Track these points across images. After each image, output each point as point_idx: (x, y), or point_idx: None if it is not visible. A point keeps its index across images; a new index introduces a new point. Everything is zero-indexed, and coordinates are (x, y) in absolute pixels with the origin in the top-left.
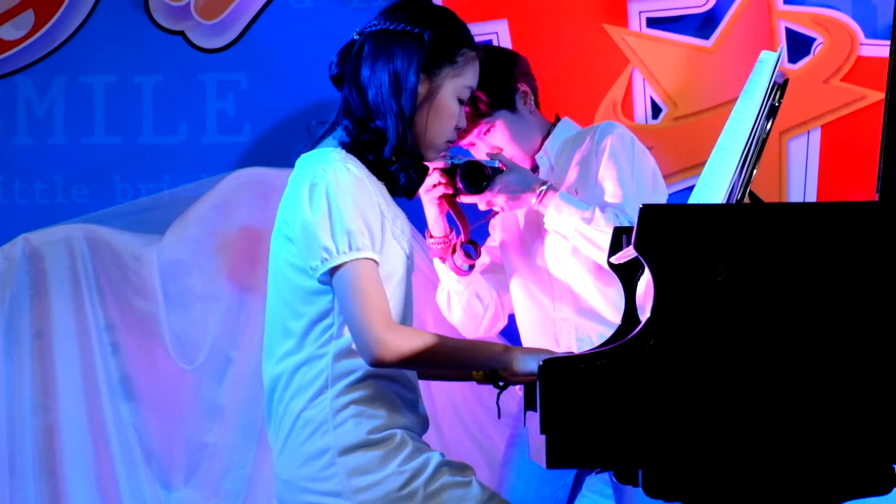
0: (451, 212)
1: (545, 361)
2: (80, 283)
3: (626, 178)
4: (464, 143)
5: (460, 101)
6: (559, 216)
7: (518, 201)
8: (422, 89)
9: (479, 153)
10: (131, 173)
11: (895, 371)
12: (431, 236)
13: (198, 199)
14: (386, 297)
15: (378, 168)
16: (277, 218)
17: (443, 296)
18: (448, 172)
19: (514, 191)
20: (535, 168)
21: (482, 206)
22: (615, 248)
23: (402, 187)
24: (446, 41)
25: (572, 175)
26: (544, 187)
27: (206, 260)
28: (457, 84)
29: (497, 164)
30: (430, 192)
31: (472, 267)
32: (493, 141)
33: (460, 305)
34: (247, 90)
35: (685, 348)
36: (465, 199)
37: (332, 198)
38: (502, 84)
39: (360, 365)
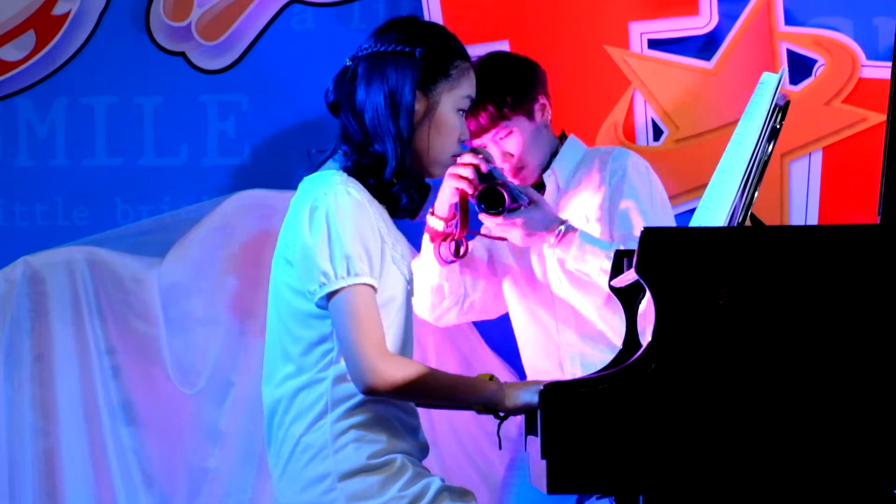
0: (459, 204)
1: (546, 386)
2: (80, 306)
3: (647, 210)
4: (476, 142)
5: (461, 112)
6: (583, 258)
7: (533, 238)
8: (419, 107)
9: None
10: (132, 195)
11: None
12: (433, 213)
13: (199, 221)
14: (381, 324)
15: (380, 191)
16: (278, 241)
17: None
18: (479, 175)
19: (535, 229)
20: (540, 185)
21: (495, 233)
22: (616, 270)
23: (404, 208)
24: (438, 55)
25: (583, 202)
26: (563, 227)
27: (208, 283)
28: (454, 97)
29: (525, 199)
30: (453, 176)
31: (453, 262)
32: (506, 147)
33: (428, 287)
34: (248, 112)
35: (687, 372)
36: (483, 217)
37: (331, 222)
38: (526, 92)
39: None
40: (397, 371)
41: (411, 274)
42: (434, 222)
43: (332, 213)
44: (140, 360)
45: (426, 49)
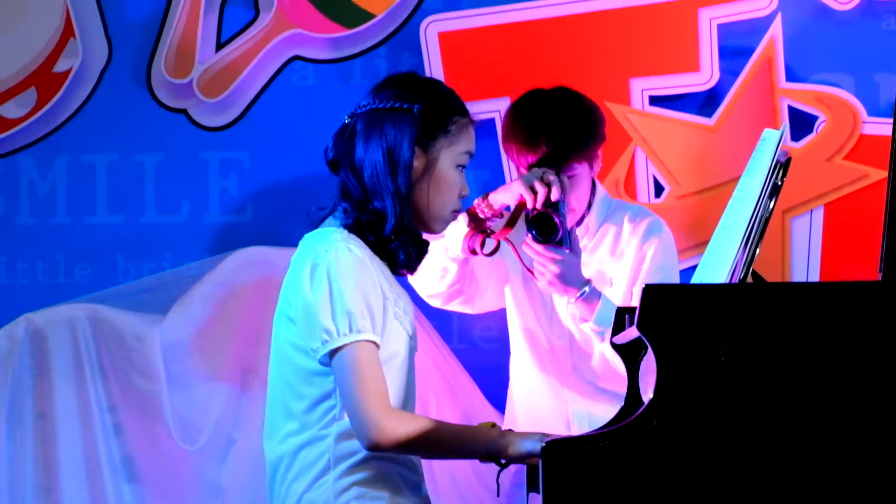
0: (512, 208)
1: (547, 443)
2: (82, 364)
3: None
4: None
5: (461, 168)
6: (598, 326)
7: (556, 286)
8: (418, 164)
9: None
10: (133, 252)
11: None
12: (485, 199)
13: (201, 278)
14: (385, 380)
15: (380, 247)
16: (280, 298)
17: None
18: (547, 198)
19: (565, 277)
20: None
21: (527, 256)
22: (618, 327)
23: (402, 264)
24: (437, 112)
25: (607, 263)
26: (587, 290)
27: (209, 340)
28: (453, 152)
29: (570, 245)
30: (527, 185)
31: (474, 255)
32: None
33: (437, 266)
34: (249, 169)
35: (688, 429)
36: (529, 243)
37: (333, 279)
38: (596, 142)
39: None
40: (401, 426)
41: (414, 329)
42: (479, 208)
43: (334, 270)
44: (142, 418)
45: (424, 105)
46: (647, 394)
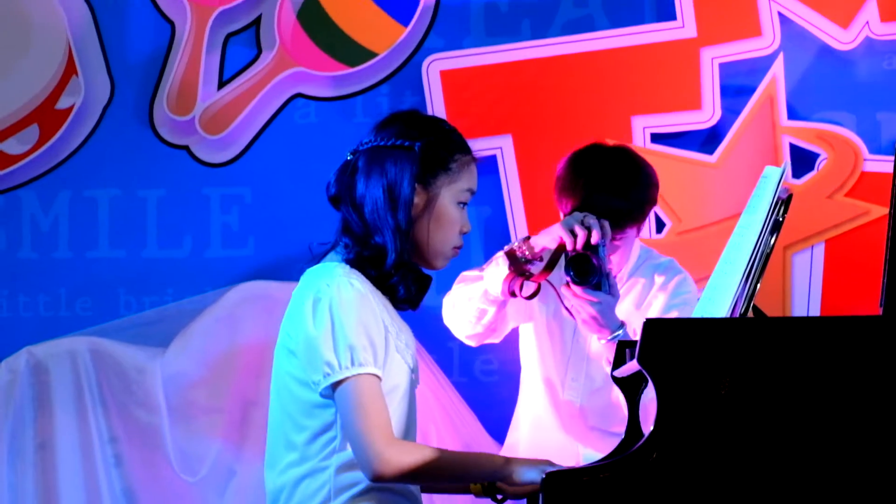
0: (554, 251)
1: (548, 474)
2: (83, 396)
3: None
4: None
5: (462, 205)
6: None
7: (591, 325)
8: (418, 200)
9: None
10: (135, 287)
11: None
12: (526, 241)
13: (202, 312)
14: (388, 412)
15: (380, 282)
16: (281, 331)
17: (466, 290)
18: (587, 245)
19: (601, 318)
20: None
21: (565, 297)
22: (619, 361)
23: (402, 299)
24: (438, 149)
25: (632, 316)
26: (621, 332)
27: (210, 373)
28: (454, 190)
29: (608, 288)
30: (567, 229)
31: (513, 296)
32: (612, 253)
33: (475, 308)
34: (251, 204)
35: (688, 462)
36: (566, 288)
37: (335, 313)
38: (649, 209)
39: (362, 478)
40: (404, 457)
41: (415, 362)
42: (520, 250)
43: (336, 304)
44: (142, 449)
45: (425, 143)
46: (648, 426)
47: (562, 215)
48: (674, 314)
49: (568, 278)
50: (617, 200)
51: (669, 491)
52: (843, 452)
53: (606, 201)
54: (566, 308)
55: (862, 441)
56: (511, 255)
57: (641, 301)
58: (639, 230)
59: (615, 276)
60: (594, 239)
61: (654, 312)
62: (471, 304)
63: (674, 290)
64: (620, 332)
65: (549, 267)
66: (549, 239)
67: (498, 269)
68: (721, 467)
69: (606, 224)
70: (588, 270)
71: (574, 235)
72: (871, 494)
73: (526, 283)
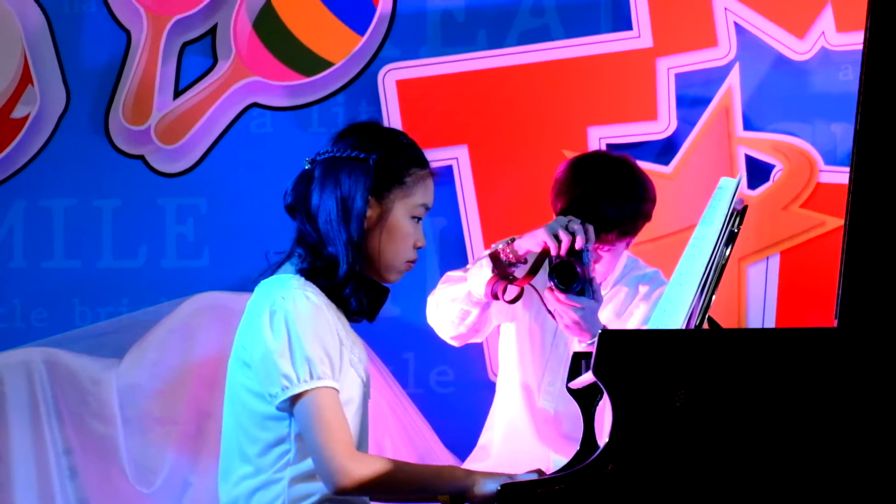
0: (538, 255)
1: (503, 486)
2: (38, 407)
3: None
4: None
5: (417, 220)
6: None
7: (573, 329)
8: (371, 213)
9: None
10: (90, 297)
11: (852, 498)
12: (510, 244)
13: (157, 322)
14: (347, 424)
15: (333, 293)
16: (235, 343)
17: (450, 290)
18: (571, 246)
19: (583, 324)
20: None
21: (548, 302)
22: (574, 372)
23: (355, 311)
24: (393, 162)
25: (612, 324)
26: None
27: (165, 384)
28: (408, 204)
29: (592, 294)
30: (551, 234)
31: (496, 298)
32: (596, 262)
33: (458, 310)
34: (206, 214)
35: (643, 473)
36: (549, 292)
37: (291, 326)
38: (642, 223)
39: (316, 489)
40: (366, 469)
41: (368, 376)
42: (504, 253)
43: (292, 317)
44: (98, 460)
45: (381, 156)
46: (603, 438)
47: (555, 216)
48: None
49: (551, 284)
50: (612, 209)
51: (625, 502)
52: (797, 463)
53: (601, 209)
54: (549, 311)
55: (817, 452)
56: (495, 258)
57: (623, 310)
58: (628, 243)
59: (600, 284)
60: (578, 244)
61: (634, 322)
62: (454, 305)
63: (656, 300)
64: None
65: (533, 271)
66: (533, 242)
67: (481, 271)
68: (676, 479)
69: (591, 229)
70: (571, 277)
71: (558, 241)
72: (826, 502)
73: (509, 286)
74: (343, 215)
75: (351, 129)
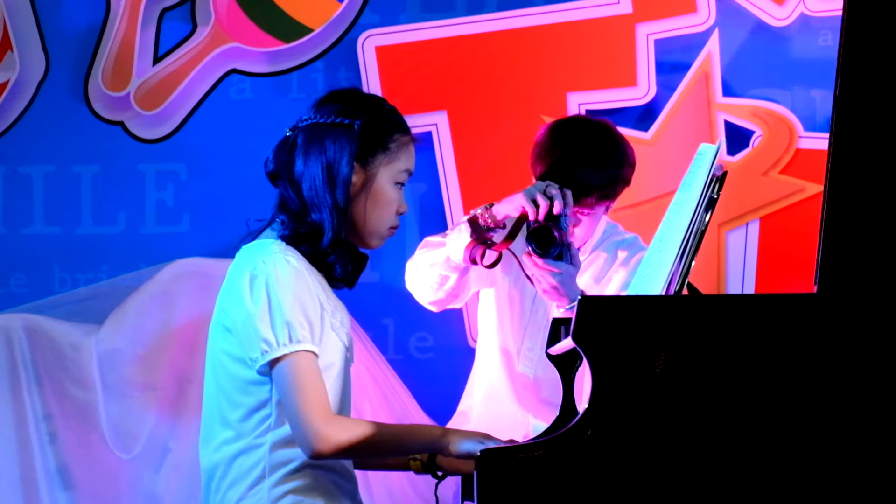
0: (516, 220)
1: (482, 452)
2: (18, 373)
3: None
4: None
5: (400, 186)
6: None
7: (551, 294)
8: (356, 179)
9: None
10: (70, 263)
11: (830, 463)
12: (488, 209)
13: (136, 288)
14: (325, 389)
15: (316, 260)
16: (216, 308)
17: (429, 256)
18: (549, 215)
19: (561, 288)
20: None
21: (526, 266)
22: (553, 338)
23: (339, 278)
24: (377, 128)
25: (591, 289)
26: None
27: (145, 350)
28: (392, 170)
29: (570, 259)
30: (529, 198)
31: (474, 263)
32: (575, 225)
33: (437, 275)
34: (186, 181)
35: (623, 439)
36: (527, 256)
37: (272, 290)
38: (622, 188)
39: (297, 454)
40: (343, 433)
41: (350, 341)
42: (483, 219)
43: (272, 281)
44: (77, 426)
45: (365, 122)
46: (582, 404)
47: (534, 180)
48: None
49: (529, 248)
50: (591, 173)
51: (604, 468)
52: (777, 429)
53: (580, 173)
54: (527, 276)
55: (796, 417)
56: (473, 223)
57: (602, 275)
58: (608, 207)
59: (579, 249)
60: (556, 209)
61: (613, 287)
62: (433, 270)
63: (635, 266)
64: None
65: (511, 236)
66: (511, 207)
67: (460, 236)
68: (655, 445)
69: (569, 194)
70: (549, 242)
71: (536, 205)
72: (805, 467)
73: (487, 251)
74: (328, 181)
75: (333, 96)
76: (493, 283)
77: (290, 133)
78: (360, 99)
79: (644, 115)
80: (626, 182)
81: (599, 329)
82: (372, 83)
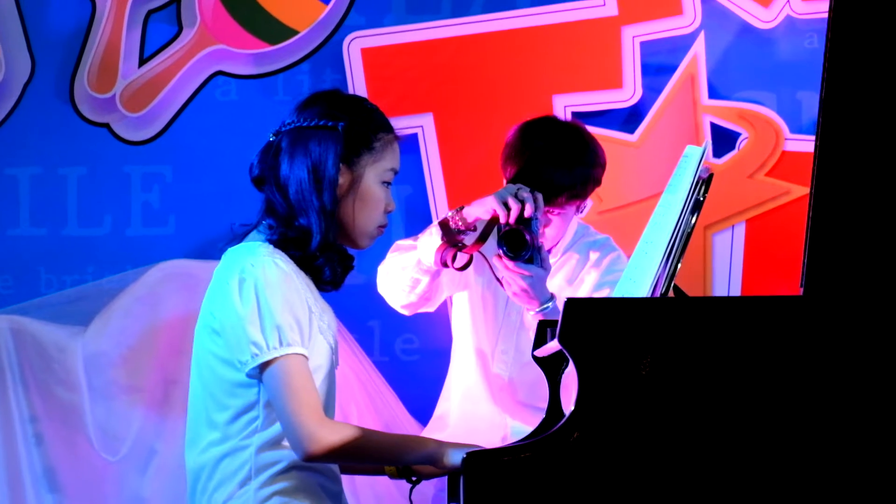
0: (487, 222)
1: (469, 454)
2: (4, 375)
3: None
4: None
5: (386, 185)
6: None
7: (521, 297)
8: (343, 180)
9: None
10: (56, 265)
11: (816, 464)
12: (459, 212)
13: (122, 290)
14: (316, 391)
15: (304, 263)
16: (202, 310)
17: (400, 259)
18: (520, 218)
19: (531, 291)
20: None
21: (497, 273)
22: (540, 341)
23: (327, 281)
24: (361, 129)
25: (564, 291)
26: (550, 305)
27: (131, 352)
28: (378, 169)
29: (540, 262)
30: (501, 201)
31: (445, 266)
32: (546, 226)
33: (408, 278)
34: (172, 182)
35: (609, 442)
36: (497, 259)
37: (261, 293)
38: (592, 188)
39: (283, 456)
40: (335, 436)
41: (336, 343)
42: (453, 220)
43: (261, 284)
44: (63, 428)
45: (349, 123)
46: (569, 406)
47: (504, 182)
48: (605, 291)
49: (500, 251)
50: (560, 174)
51: (591, 470)
52: (763, 430)
53: (550, 173)
54: (497, 279)
55: (782, 419)
56: (444, 225)
57: (574, 277)
58: (578, 208)
59: (549, 251)
60: (527, 212)
61: (585, 288)
62: (404, 273)
63: (607, 267)
64: (550, 304)
65: (482, 239)
66: (482, 210)
67: (431, 238)
68: (642, 447)
69: (540, 197)
70: (521, 245)
71: (508, 208)
72: (791, 468)
73: (458, 253)
74: (315, 184)
75: (315, 98)
76: (467, 285)
77: (274, 138)
78: (342, 100)
79: (630, 118)
80: (597, 182)
81: (585, 331)
82: (358, 85)
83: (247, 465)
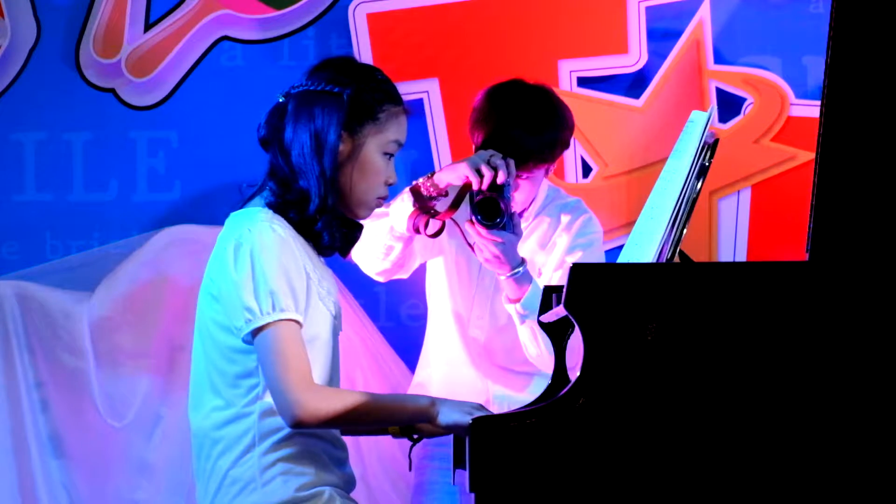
0: (459, 189)
1: (475, 420)
2: (10, 341)
3: None
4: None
5: (388, 156)
6: (531, 308)
7: (492, 262)
8: (344, 148)
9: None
10: (62, 230)
11: (822, 430)
12: (430, 178)
13: (128, 256)
14: (307, 358)
15: (303, 227)
16: (205, 276)
17: (373, 226)
18: (492, 185)
19: (503, 256)
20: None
21: (469, 235)
22: (545, 306)
23: (326, 246)
24: (366, 98)
25: (537, 255)
26: (521, 270)
27: (137, 317)
28: (380, 140)
29: (512, 228)
30: (473, 167)
31: (418, 232)
32: (515, 190)
33: (382, 245)
34: (178, 148)
35: (615, 407)
36: (469, 225)
37: (256, 258)
38: (560, 152)
39: None
40: (323, 402)
41: (338, 310)
42: (424, 186)
43: (257, 249)
44: (69, 394)
45: (354, 91)
46: (574, 372)
47: (473, 147)
48: (577, 254)
49: (473, 218)
50: (528, 138)
51: (596, 436)
52: (768, 398)
53: (518, 138)
54: (469, 245)
55: (787, 386)
56: (415, 192)
57: (546, 240)
58: (548, 171)
59: (521, 215)
60: (500, 179)
61: (558, 252)
62: (378, 240)
63: (578, 230)
64: (521, 269)
65: (455, 205)
66: (454, 176)
67: (403, 205)
68: (647, 413)
69: (512, 163)
70: (496, 213)
71: (481, 175)
72: (796, 434)
73: (431, 220)
74: (316, 149)
75: (326, 64)
76: (441, 251)
77: (283, 99)
78: (351, 68)
79: (635, 83)
80: (566, 145)
81: (591, 297)
82: (363, 50)
83: (251, 432)
